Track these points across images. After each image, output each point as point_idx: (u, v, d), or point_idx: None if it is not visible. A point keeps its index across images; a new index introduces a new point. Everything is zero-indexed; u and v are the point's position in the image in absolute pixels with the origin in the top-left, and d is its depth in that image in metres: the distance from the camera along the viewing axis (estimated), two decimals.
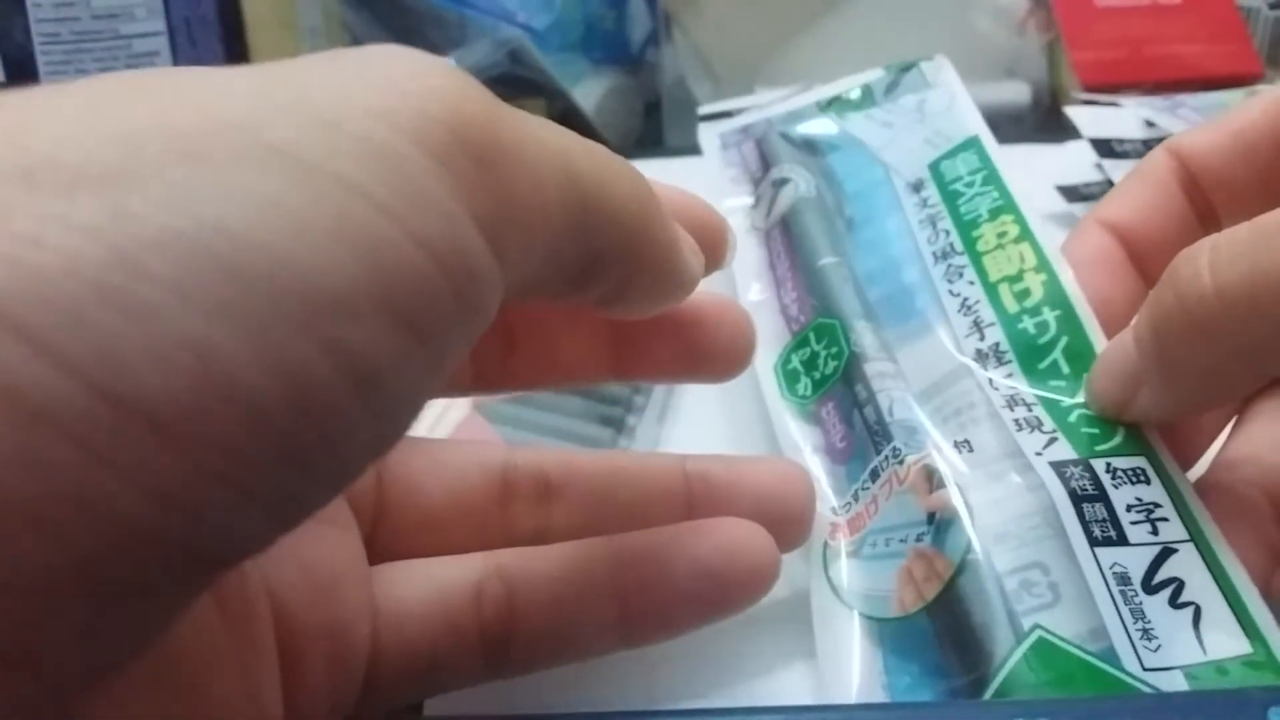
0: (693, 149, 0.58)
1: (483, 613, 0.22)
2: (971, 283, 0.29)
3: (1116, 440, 0.24)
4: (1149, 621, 0.22)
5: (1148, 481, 0.23)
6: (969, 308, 0.28)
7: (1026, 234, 0.29)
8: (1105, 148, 0.49)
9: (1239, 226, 0.21)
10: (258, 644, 0.18)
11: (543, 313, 0.23)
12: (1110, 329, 0.26)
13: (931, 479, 0.25)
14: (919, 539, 0.24)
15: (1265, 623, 0.22)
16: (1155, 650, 0.21)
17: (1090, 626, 0.21)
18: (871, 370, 0.28)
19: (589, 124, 0.59)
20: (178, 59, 0.45)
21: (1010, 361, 0.27)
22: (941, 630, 0.23)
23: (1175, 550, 0.22)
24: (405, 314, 0.13)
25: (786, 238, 0.34)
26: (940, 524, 0.24)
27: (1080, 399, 0.25)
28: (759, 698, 0.24)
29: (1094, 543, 0.22)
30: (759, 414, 0.32)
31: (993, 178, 0.31)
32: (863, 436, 0.27)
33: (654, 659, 0.24)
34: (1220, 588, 0.22)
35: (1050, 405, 0.25)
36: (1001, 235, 0.29)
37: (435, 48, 0.53)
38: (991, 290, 0.28)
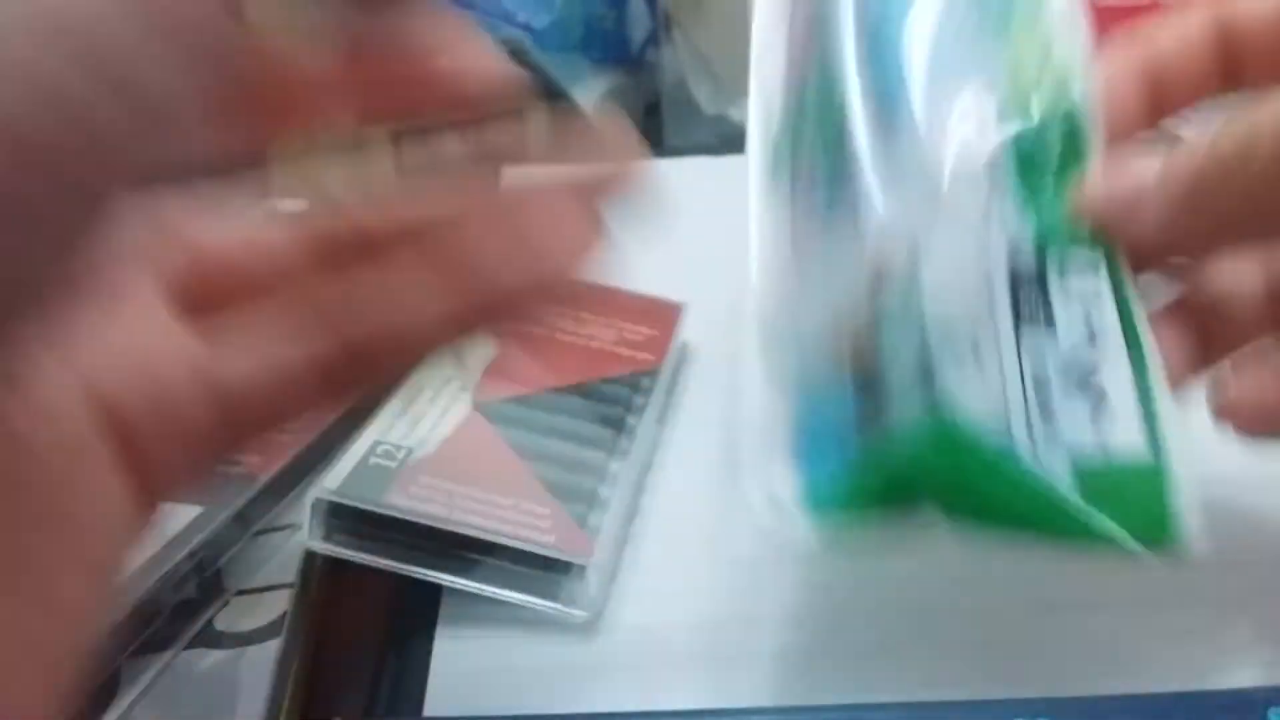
0: (693, 149, 0.59)
1: (207, 429, 0.21)
2: (996, 59, 0.27)
3: (1080, 238, 0.24)
4: (1050, 399, 0.22)
5: (1095, 271, 0.24)
6: (989, 89, 0.26)
7: (1059, 26, 0.27)
8: None
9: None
10: (81, 436, 0.18)
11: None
12: (1114, 136, 0.25)
13: (880, 253, 0.23)
14: (854, 288, 0.23)
15: (1173, 437, 0.22)
16: (1050, 433, 0.21)
17: (994, 393, 0.22)
18: (853, 112, 0.26)
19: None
20: None
21: (1006, 147, 0.25)
22: (856, 375, 0.23)
23: (1101, 337, 0.23)
24: None
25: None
26: (878, 276, 0.23)
27: (1061, 193, 0.25)
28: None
29: (1019, 319, 0.23)
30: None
31: None
32: (832, 174, 0.26)
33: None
34: (1136, 381, 0.22)
35: (1029, 194, 0.25)
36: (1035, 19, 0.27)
37: None
38: (1013, 77, 0.26)
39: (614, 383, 0.33)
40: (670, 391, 0.35)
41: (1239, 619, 0.25)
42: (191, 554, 0.26)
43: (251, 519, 0.28)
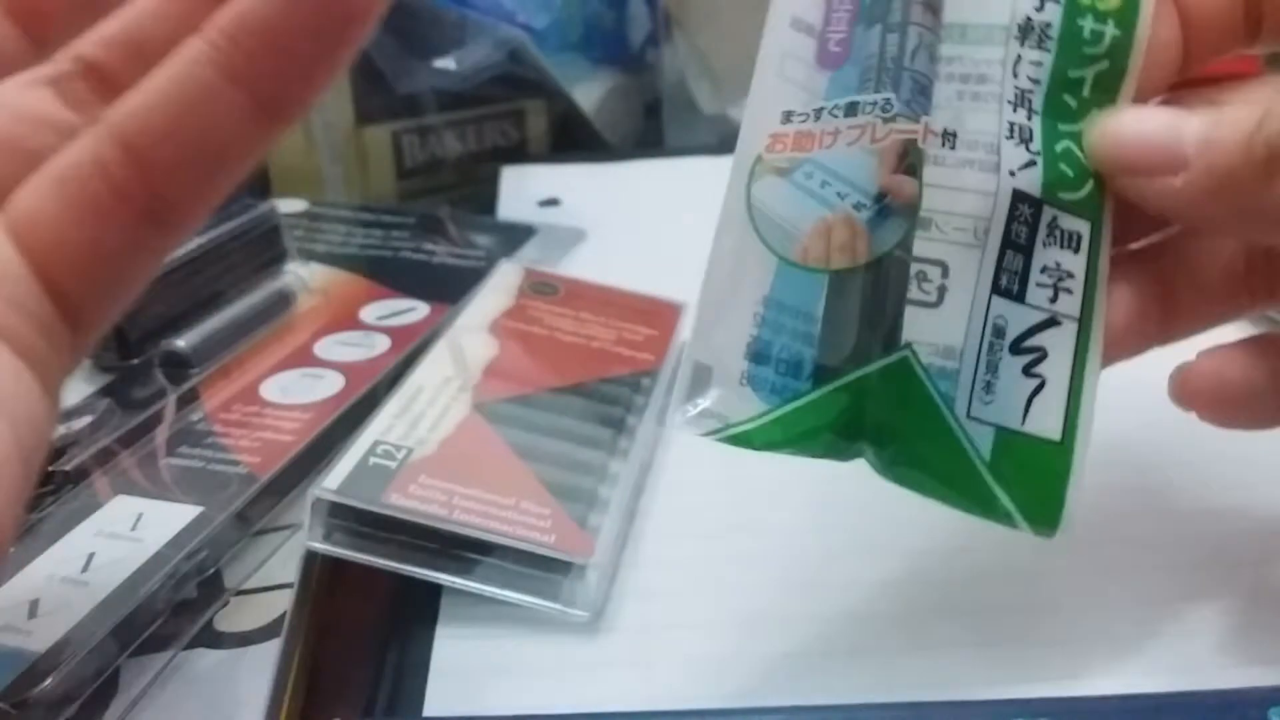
0: (693, 149, 0.59)
1: (114, 181, 0.20)
2: None
3: (1081, 194, 0.24)
4: (997, 376, 0.23)
5: (1076, 250, 0.23)
6: None
7: None
8: None
9: None
10: None
11: None
12: (1146, 80, 0.25)
13: (904, 156, 0.23)
14: (857, 206, 0.23)
15: (1084, 428, 0.23)
16: (987, 403, 0.22)
17: (949, 345, 0.22)
18: None
19: (589, 124, 0.59)
20: None
21: (1049, 49, 0.24)
22: (830, 303, 0.23)
23: (1059, 324, 0.23)
24: None
25: None
26: (885, 208, 0.23)
27: (1078, 128, 0.24)
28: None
29: (995, 290, 0.23)
30: None
31: None
32: (869, 61, 0.24)
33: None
34: (1073, 376, 0.23)
35: (1049, 123, 0.24)
36: None
37: (435, 48, 0.53)
38: None
39: (614, 383, 0.33)
40: (670, 391, 0.35)
41: (1239, 619, 0.25)
42: (191, 554, 0.26)
43: (251, 519, 0.28)
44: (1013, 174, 0.23)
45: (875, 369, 0.22)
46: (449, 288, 0.39)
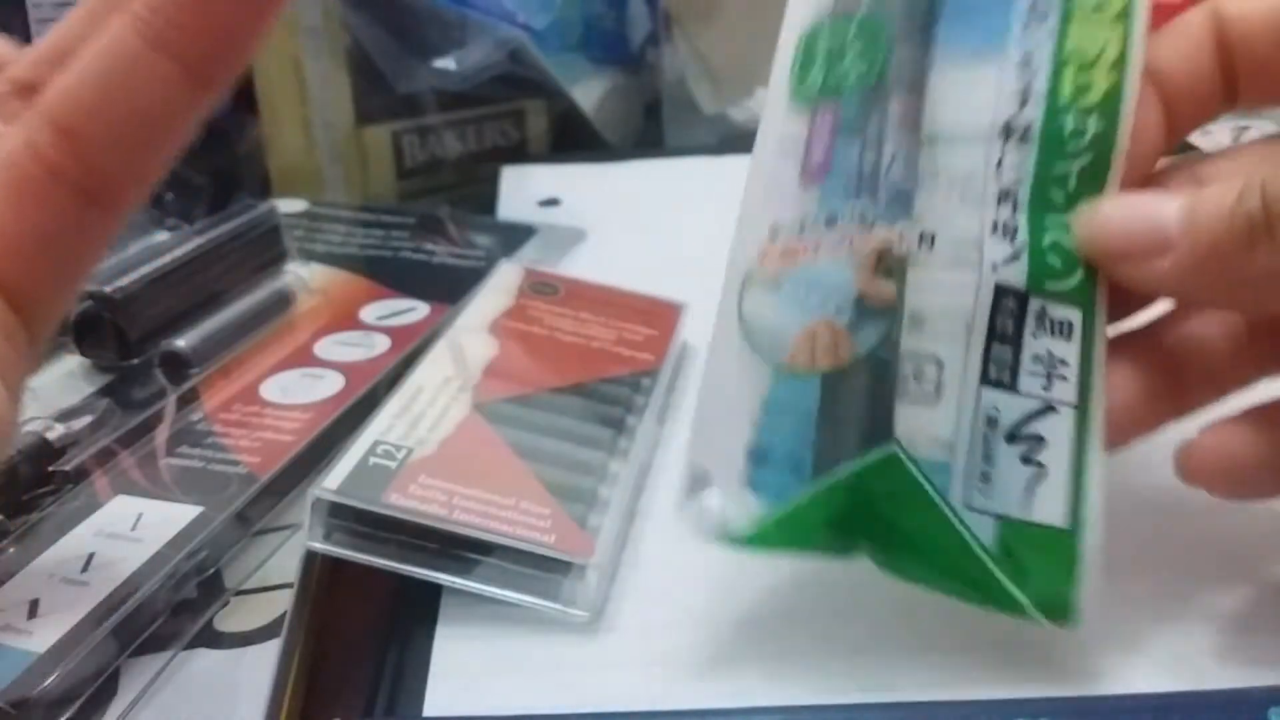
0: (693, 149, 0.59)
1: (48, 162, 0.20)
2: (1049, 39, 0.25)
3: (1071, 283, 0.24)
4: (993, 466, 0.23)
5: (1068, 338, 0.24)
6: (1029, 66, 0.25)
7: (1128, 13, 0.25)
8: None
9: None
10: None
11: None
12: (1132, 165, 0.25)
13: (880, 262, 0.24)
14: (838, 312, 0.24)
15: (1092, 514, 0.23)
16: (985, 494, 0.23)
17: (941, 436, 0.23)
18: (896, 108, 0.26)
19: (589, 124, 0.59)
20: None
21: (1030, 149, 0.25)
22: (824, 397, 0.24)
23: (1056, 411, 0.23)
24: None
25: None
26: (864, 312, 0.24)
27: (1066, 219, 0.24)
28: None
29: (985, 382, 0.23)
30: None
31: None
32: (848, 174, 0.25)
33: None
34: (1074, 462, 0.23)
35: (1035, 216, 0.24)
36: (1101, 7, 0.25)
37: (435, 48, 0.53)
38: (1059, 67, 0.25)
39: (614, 383, 0.33)
40: (670, 391, 0.35)
41: (1239, 619, 0.25)
42: (191, 554, 0.26)
43: (251, 519, 0.28)
44: (995, 268, 0.24)
45: (864, 464, 0.23)
46: (449, 288, 0.39)
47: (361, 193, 0.54)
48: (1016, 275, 0.24)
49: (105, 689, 0.23)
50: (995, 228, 0.24)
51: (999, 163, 0.24)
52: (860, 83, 0.26)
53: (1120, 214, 0.24)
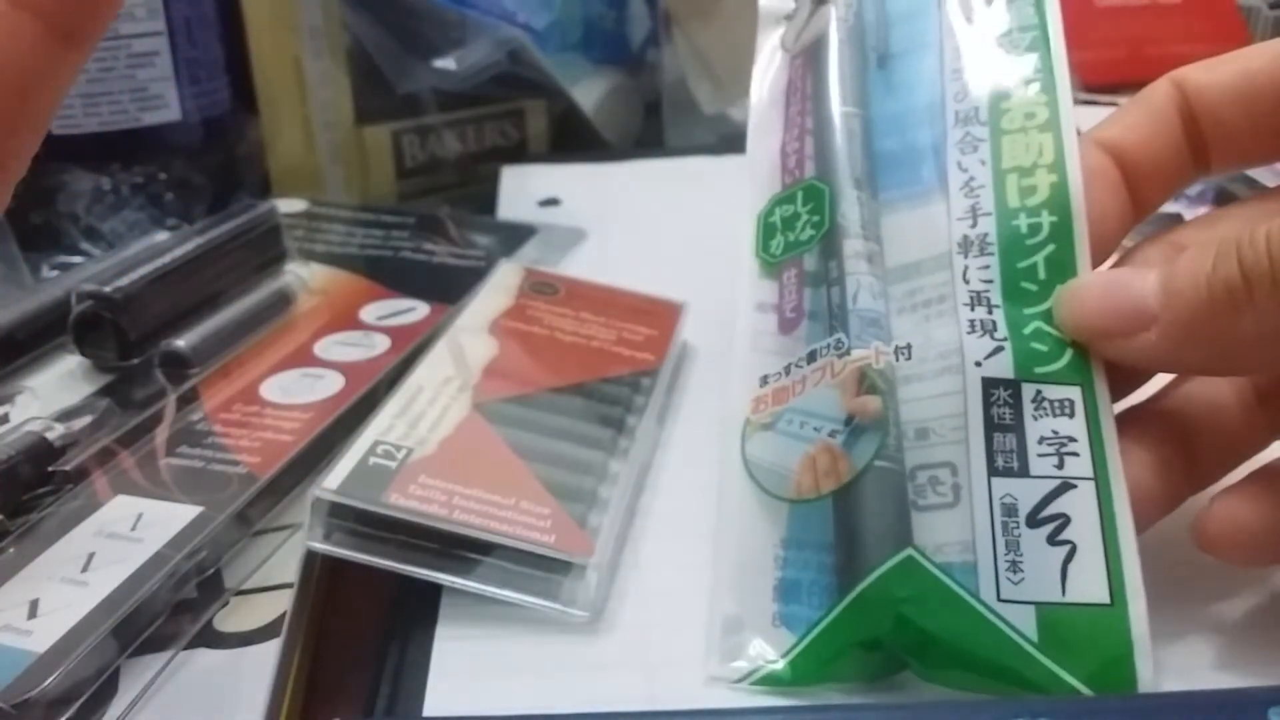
0: (693, 149, 0.59)
1: None
2: (983, 162, 0.27)
3: (1061, 364, 0.24)
4: (1020, 554, 0.22)
5: (1071, 415, 0.24)
6: (972, 190, 0.27)
7: (1054, 123, 0.27)
8: None
9: None
10: None
11: None
12: (1099, 245, 0.26)
13: (862, 382, 0.25)
14: (832, 434, 0.25)
15: (1133, 582, 0.22)
16: (1017, 582, 0.22)
17: (964, 537, 0.23)
18: (849, 249, 0.27)
19: (589, 124, 0.59)
20: (178, 59, 0.45)
21: (992, 254, 0.26)
22: (835, 517, 0.24)
23: (1074, 486, 0.23)
24: None
25: (809, 72, 0.31)
26: (855, 428, 0.24)
27: (1042, 308, 0.25)
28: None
29: (994, 472, 0.23)
30: None
31: (1041, 42, 0.28)
32: (821, 314, 0.27)
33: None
34: (1104, 534, 0.22)
35: (1013, 310, 0.25)
36: (1029, 117, 0.27)
37: (435, 48, 0.53)
38: (1000, 179, 0.27)
39: (614, 383, 0.33)
40: (670, 391, 0.35)
41: (1239, 619, 0.25)
42: (191, 554, 0.26)
43: (251, 519, 0.28)
44: (978, 364, 0.24)
45: (882, 571, 0.23)
46: (449, 288, 0.39)
47: (361, 193, 0.54)
48: (1002, 368, 0.24)
49: (105, 689, 0.23)
50: (973, 327, 0.25)
51: (964, 273, 0.26)
52: (815, 237, 0.28)
53: (1097, 291, 0.24)
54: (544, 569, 0.26)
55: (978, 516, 0.23)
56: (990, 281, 0.25)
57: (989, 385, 0.24)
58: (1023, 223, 0.26)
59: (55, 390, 0.33)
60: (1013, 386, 0.24)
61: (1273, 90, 0.25)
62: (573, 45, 0.60)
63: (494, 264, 0.39)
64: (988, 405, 0.24)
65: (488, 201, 0.52)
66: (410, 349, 0.35)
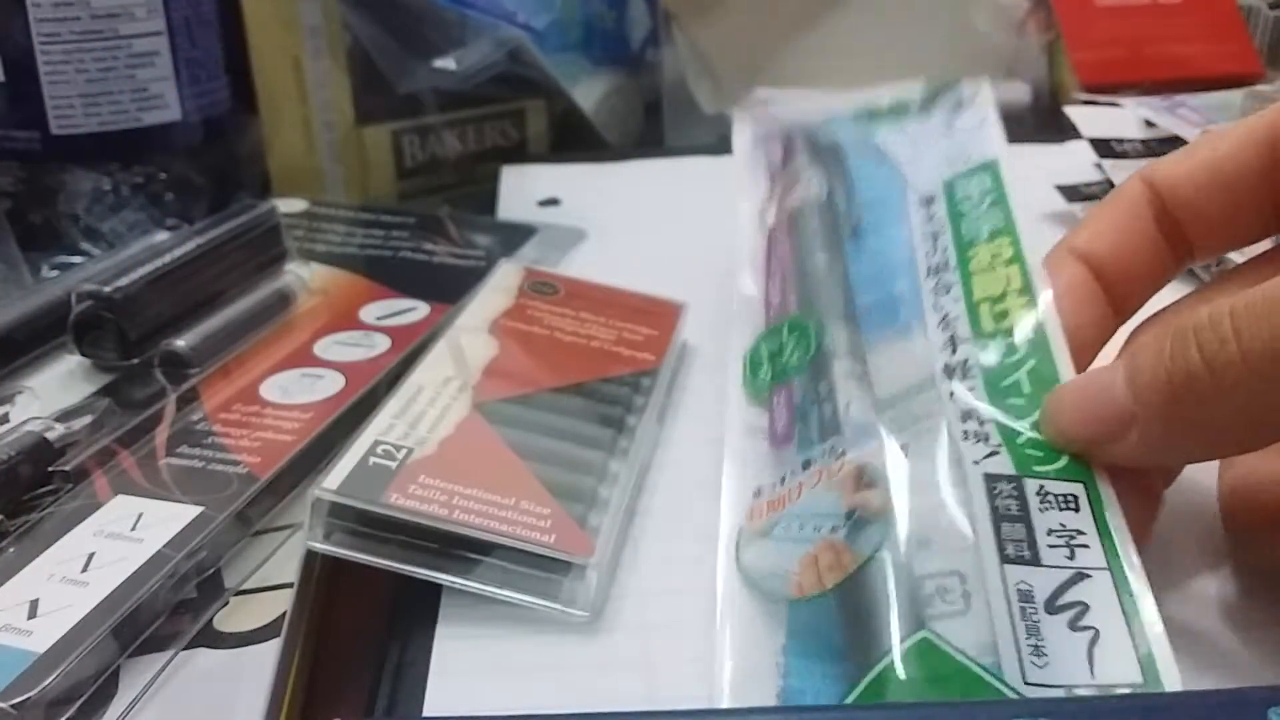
0: (693, 149, 0.59)
1: None
2: (956, 300, 0.29)
3: (1059, 465, 0.24)
4: (1042, 639, 0.22)
5: (1076, 509, 0.23)
6: (948, 323, 0.29)
7: (1019, 257, 0.29)
8: (1105, 147, 0.49)
9: (1253, 292, 0.21)
10: None
11: None
12: (1079, 356, 0.26)
13: (860, 478, 0.25)
14: (832, 530, 0.24)
15: (1163, 659, 0.22)
16: (1043, 667, 0.21)
17: (982, 639, 0.21)
18: (838, 369, 0.28)
19: (589, 124, 0.59)
20: (178, 59, 0.45)
21: (975, 376, 0.27)
22: (842, 612, 0.23)
23: (1088, 576, 0.22)
24: None
25: (789, 236, 0.34)
26: (858, 521, 0.24)
27: (1032, 419, 0.25)
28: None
29: (1005, 560, 0.23)
30: None
31: (1000, 201, 0.31)
32: (813, 429, 0.27)
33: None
34: (1125, 616, 0.22)
35: (1003, 424, 0.26)
36: (995, 256, 0.29)
37: (435, 48, 0.53)
38: (973, 309, 0.28)
39: (614, 383, 0.33)
40: (670, 391, 0.35)
41: (1239, 618, 0.25)
42: (191, 554, 0.26)
43: (251, 519, 0.28)
44: (976, 463, 0.24)
45: (899, 655, 0.22)
46: (449, 288, 0.39)
47: (361, 193, 0.54)
48: (1002, 466, 0.24)
49: (105, 689, 0.23)
50: (966, 436, 0.25)
51: (951, 394, 0.26)
52: (802, 363, 0.29)
53: (1070, 401, 0.24)
54: (544, 569, 0.26)
55: (994, 604, 0.22)
56: (977, 398, 0.26)
57: (991, 480, 0.24)
58: (1000, 343, 0.27)
59: (55, 390, 0.34)
60: (1015, 481, 0.24)
61: (1242, 174, 0.26)
62: (573, 45, 0.60)
63: (494, 264, 0.39)
64: (992, 498, 0.24)
65: (488, 201, 0.52)
66: (410, 349, 0.35)
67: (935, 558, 0.23)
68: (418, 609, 0.26)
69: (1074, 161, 0.49)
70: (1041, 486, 0.24)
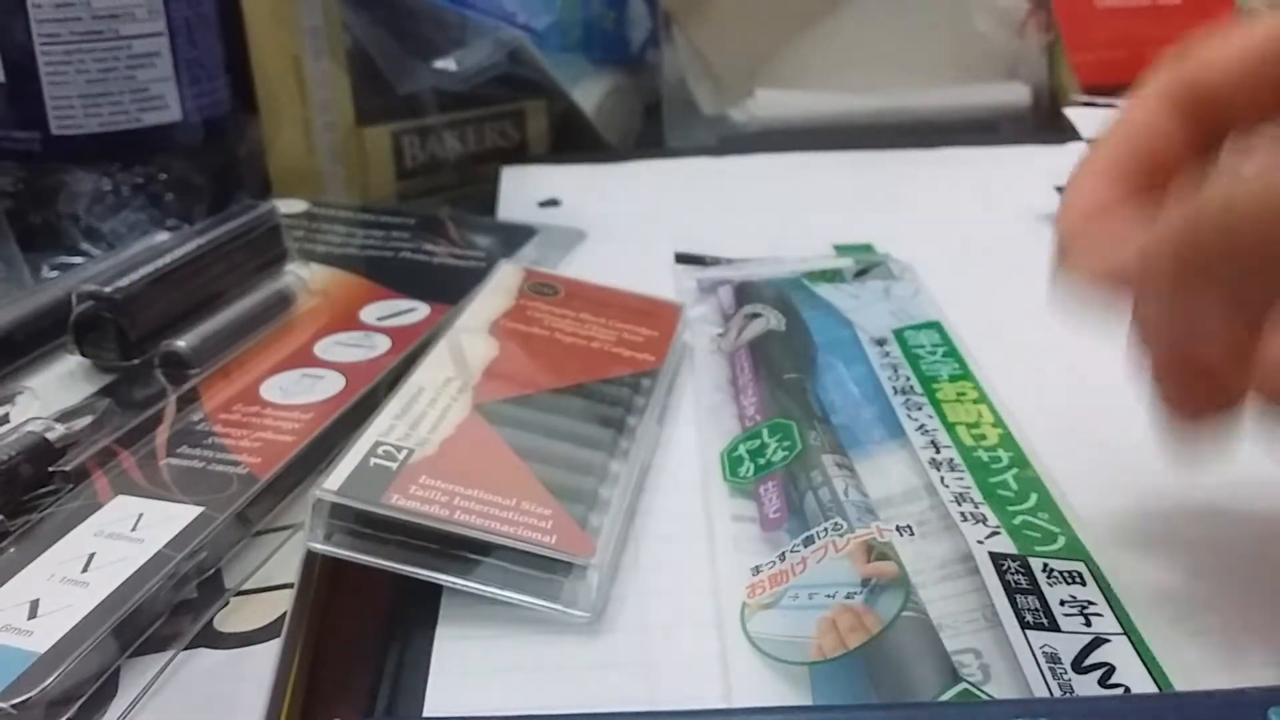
0: (693, 149, 0.59)
1: None
2: (931, 416, 0.31)
3: (1057, 545, 0.25)
4: (1076, 694, 0.22)
5: (1083, 583, 0.24)
6: (927, 431, 0.30)
7: (984, 399, 0.31)
8: None
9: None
10: None
11: None
12: (1153, 172, 0.26)
13: (870, 552, 0.25)
14: (849, 596, 0.24)
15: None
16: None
17: (1020, 694, 0.22)
18: (828, 461, 0.29)
19: (589, 124, 0.59)
20: (178, 59, 0.45)
21: (962, 471, 0.28)
22: (870, 670, 0.23)
23: (1108, 640, 0.23)
24: None
25: (752, 357, 0.35)
26: (875, 587, 0.24)
27: (1028, 505, 0.26)
28: None
29: (1025, 626, 0.23)
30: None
31: (953, 353, 0.33)
32: (810, 511, 0.28)
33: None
34: (1152, 676, 0.22)
35: (997, 507, 0.26)
36: (961, 395, 0.31)
37: (435, 48, 0.53)
38: (950, 428, 0.30)
39: (614, 383, 0.33)
40: (670, 392, 0.35)
41: (1238, 619, 0.25)
42: (192, 554, 0.26)
43: (252, 519, 0.28)
44: (980, 542, 0.25)
45: (936, 701, 0.22)
46: (449, 288, 0.39)
47: (361, 193, 0.54)
48: (1004, 545, 0.25)
49: (105, 689, 0.23)
50: (965, 518, 0.26)
51: (942, 481, 0.28)
52: (787, 457, 0.30)
53: (1094, 257, 0.24)
54: (545, 569, 0.26)
55: (1025, 665, 0.22)
56: (968, 486, 0.27)
57: (997, 558, 0.25)
58: (983, 455, 0.29)
59: (55, 390, 0.34)
60: (1020, 559, 0.25)
61: (1274, 61, 0.26)
62: (573, 45, 0.60)
63: (494, 265, 0.39)
64: (1001, 573, 0.24)
65: (488, 202, 0.52)
66: (410, 350, 0.35)
67: (950, 640, 0.23)
68: (418, 609, 0.26)
69: (1074, 162, 0.49)
70: (1046, 564, 0.25)
